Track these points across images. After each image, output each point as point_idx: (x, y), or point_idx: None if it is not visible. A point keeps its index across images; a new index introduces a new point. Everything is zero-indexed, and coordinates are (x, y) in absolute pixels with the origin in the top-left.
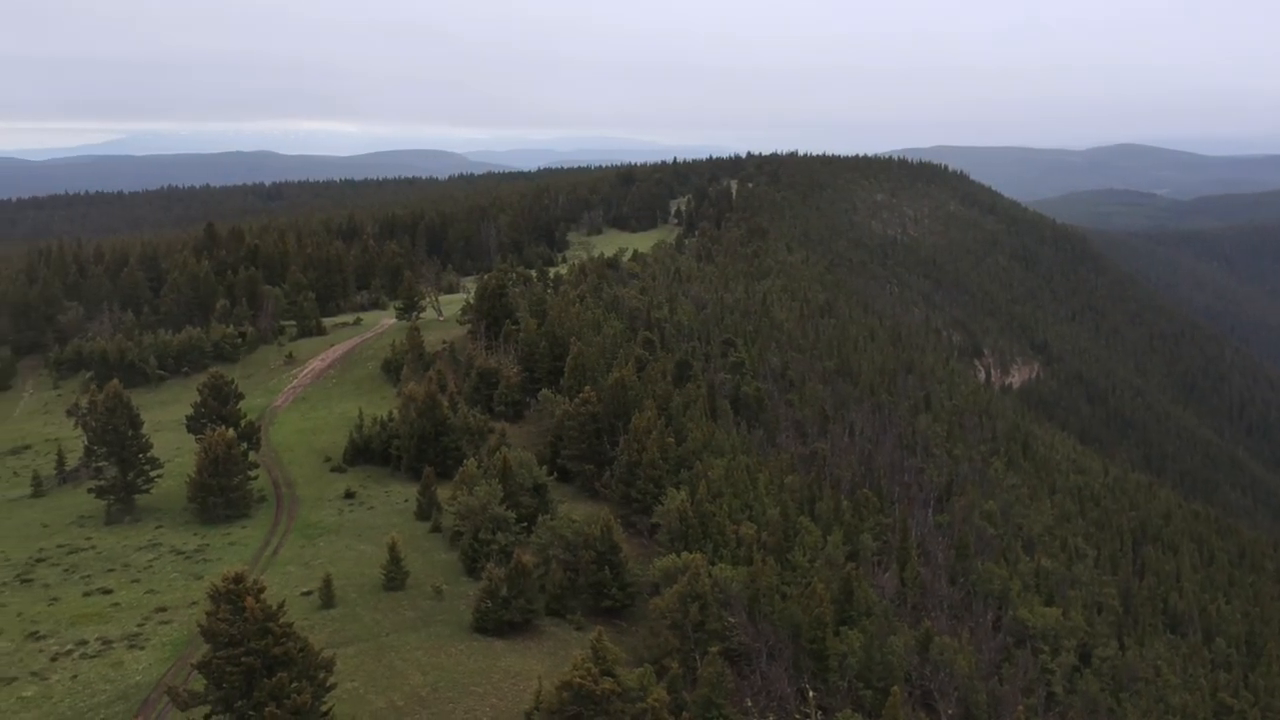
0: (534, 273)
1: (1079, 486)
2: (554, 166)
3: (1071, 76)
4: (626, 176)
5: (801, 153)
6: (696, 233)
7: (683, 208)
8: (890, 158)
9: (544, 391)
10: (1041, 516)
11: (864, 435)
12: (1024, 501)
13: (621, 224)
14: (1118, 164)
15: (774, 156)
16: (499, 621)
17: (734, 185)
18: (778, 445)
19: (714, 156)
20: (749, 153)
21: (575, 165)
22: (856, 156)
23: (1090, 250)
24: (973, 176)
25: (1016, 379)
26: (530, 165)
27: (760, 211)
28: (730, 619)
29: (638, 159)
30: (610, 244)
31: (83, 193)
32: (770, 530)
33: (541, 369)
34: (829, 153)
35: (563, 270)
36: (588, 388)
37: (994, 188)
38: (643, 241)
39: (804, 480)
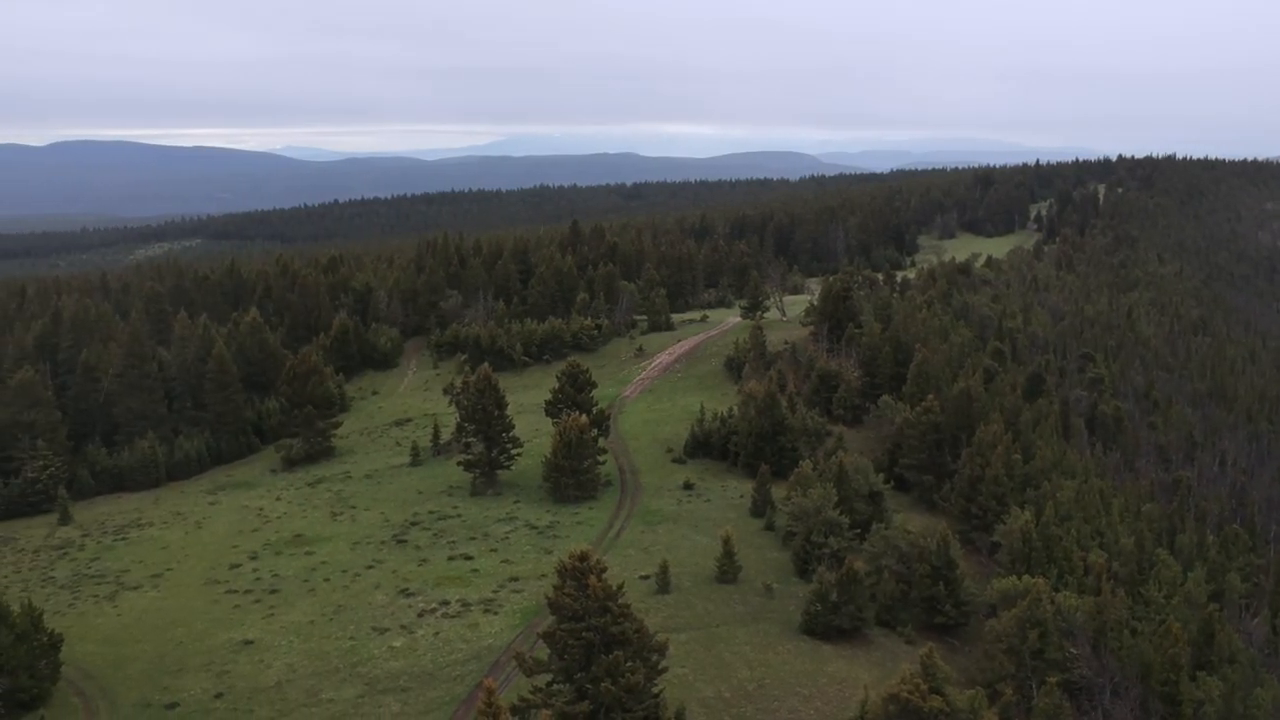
0: (881, 276)
1: None
2: (907, 168)
3: None
4: (984, 179)
5: (1180, 155)
6: (1057, 239)
7: (1043, 213)
8: None
9: (885, 398)
10: None
11: (1237, 466)
12: None
13: (976, 228)
14: None
15: (1148, 159)
16: (828, 626)
17: (1101, 190)
18: (1136, 470)
19: (1081, 159)
20: (1120, 155)
21: (930, 167)
22: (1244, 161)
23: None
24: None
25: None
26: (883, 167)
27: (1130, 218)
28: (1072, 650)
29: (996, 161)
30: (963, 249)
31: (466, 190)
32: (1123, 560)
33: (883, 374)
34: (1212, 156)
35: (911, 274)
36: (931, 396)
37: None
38: (998, 247)
39: (1164, 510)
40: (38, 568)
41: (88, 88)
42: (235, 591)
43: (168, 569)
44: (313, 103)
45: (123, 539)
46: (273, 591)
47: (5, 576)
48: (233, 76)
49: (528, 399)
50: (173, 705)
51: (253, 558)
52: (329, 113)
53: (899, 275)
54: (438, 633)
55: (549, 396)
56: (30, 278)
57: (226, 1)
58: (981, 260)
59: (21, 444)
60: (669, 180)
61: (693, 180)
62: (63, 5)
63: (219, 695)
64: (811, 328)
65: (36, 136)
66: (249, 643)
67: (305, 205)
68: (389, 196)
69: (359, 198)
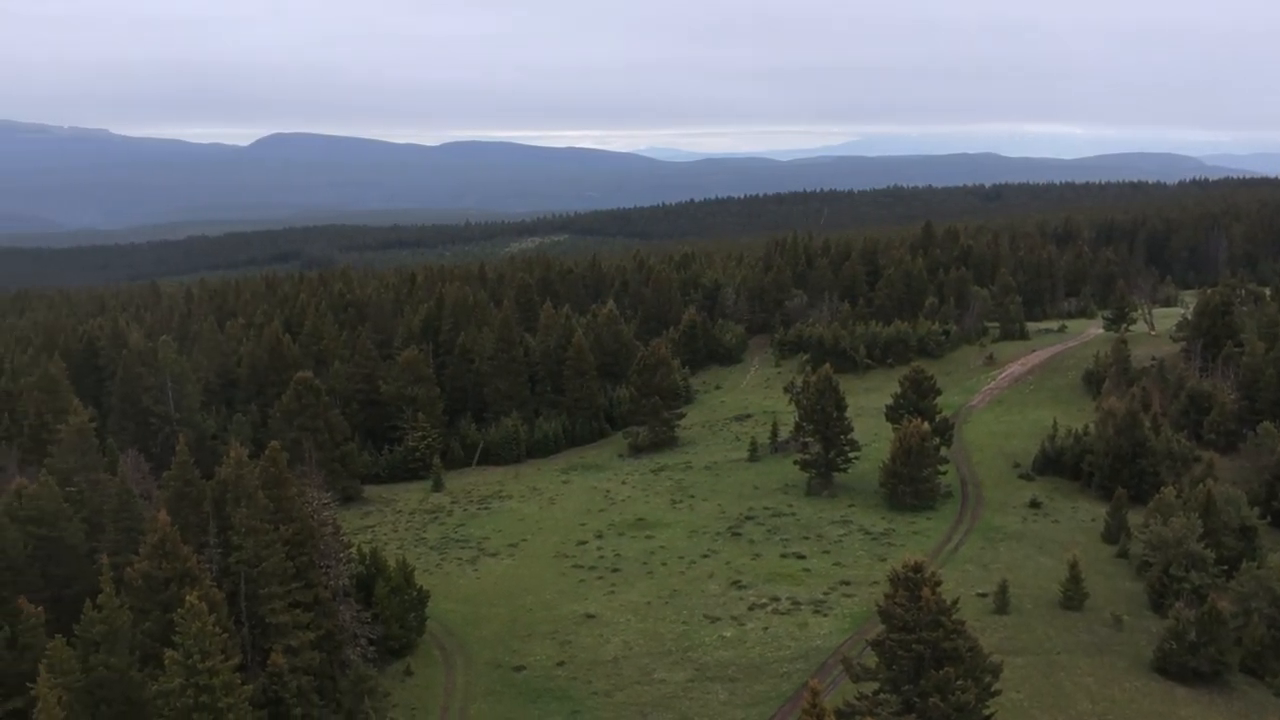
0: (1268, 291)
1: None
2: None
3: None
4: None
5: None
6: None
7: None
8: None
9: (1265, 424)
10: None
11: None
12: None
13: None
14: None
15: None
16: (1183, 667)
17: None
18: None
19: None
20: None
21: None
22: None
23: None
24: None
25: None
26: (1277, 170)
27: None
28: None
29: None
30: None
31: (817, 190)
32: None
33: (1264, 399)
34: None
35: None
36: None
37: None
38: None
39: None
40: (412, 528)
41: (473, 92)
42: (581, 566)
43: (523, 539)
44: (676, 105)
45: (485, 509)
46: (614, 570)
47: (384, 535)
48: (605, 81)
49: (868, 402)
50: (520, 668)
51: (598, 536)
52: (690, 115)
53: None
54: (766, 627)
55: (890, 401)
56: (420, 266)
57: (606, 13)
58: None
59: (405, 416)
60: (1032, 182)
61: (1057, 182)
62: (453, 19)
63: (560, 664)
64: (1183, 344)
65: (431, 137)
66: (590, 616)
67: (663, 204)
68: (741, 196)
69: (713, 197)
